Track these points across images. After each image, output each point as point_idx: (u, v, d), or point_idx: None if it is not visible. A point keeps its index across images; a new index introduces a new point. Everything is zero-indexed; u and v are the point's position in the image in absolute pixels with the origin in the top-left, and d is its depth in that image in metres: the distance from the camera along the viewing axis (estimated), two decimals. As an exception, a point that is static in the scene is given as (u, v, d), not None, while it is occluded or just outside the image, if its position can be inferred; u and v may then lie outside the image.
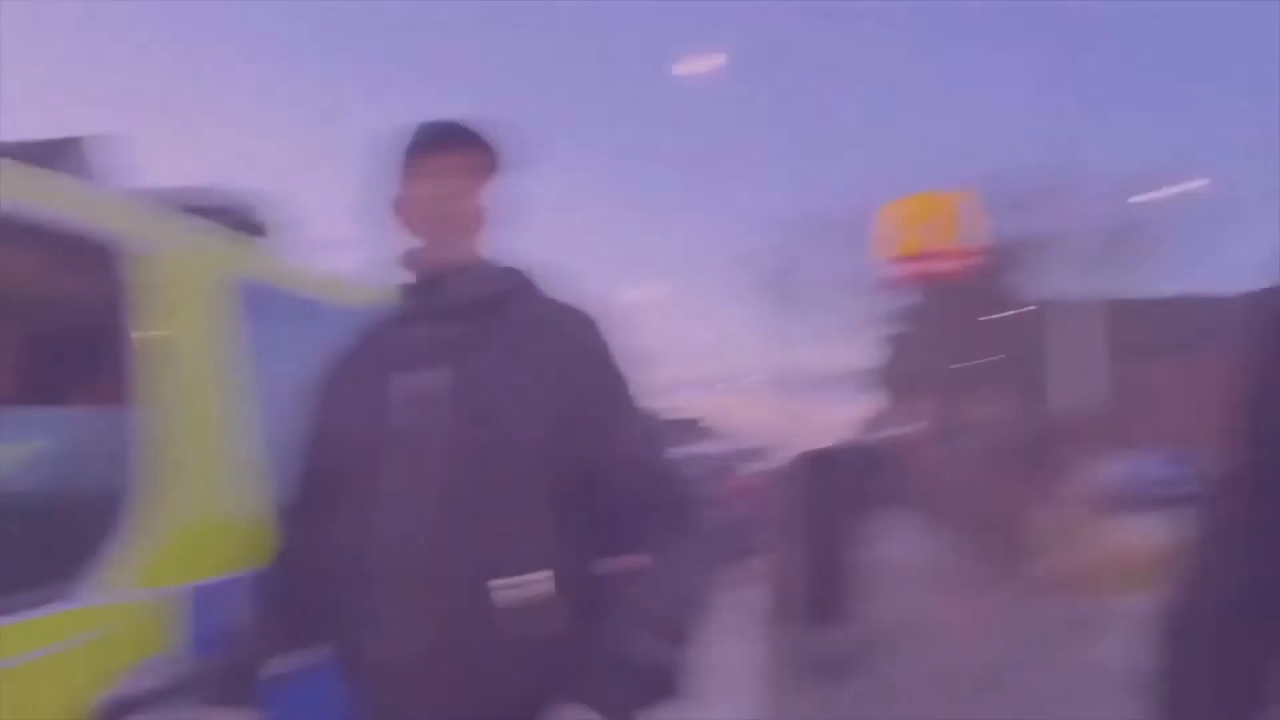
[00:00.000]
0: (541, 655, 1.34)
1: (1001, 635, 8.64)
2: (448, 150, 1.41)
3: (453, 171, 1.41)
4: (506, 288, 1.46)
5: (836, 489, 8.34)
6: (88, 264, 1.63)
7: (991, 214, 22.50)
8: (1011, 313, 22.65)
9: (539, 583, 1.35)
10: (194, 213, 2.18)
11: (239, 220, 2.24)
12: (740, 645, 7.15)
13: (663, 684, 1.37)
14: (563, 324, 1.44)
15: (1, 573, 1.41)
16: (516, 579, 1.34)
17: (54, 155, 26.35)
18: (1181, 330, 25.65)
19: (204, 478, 1.72)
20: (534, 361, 1.40)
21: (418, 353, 1.42)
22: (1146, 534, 10.21)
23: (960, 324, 22.13)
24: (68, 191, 1.64)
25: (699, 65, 20.78)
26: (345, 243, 1.70)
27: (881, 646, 7.68)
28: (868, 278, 23.34)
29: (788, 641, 6.85)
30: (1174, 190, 17.24)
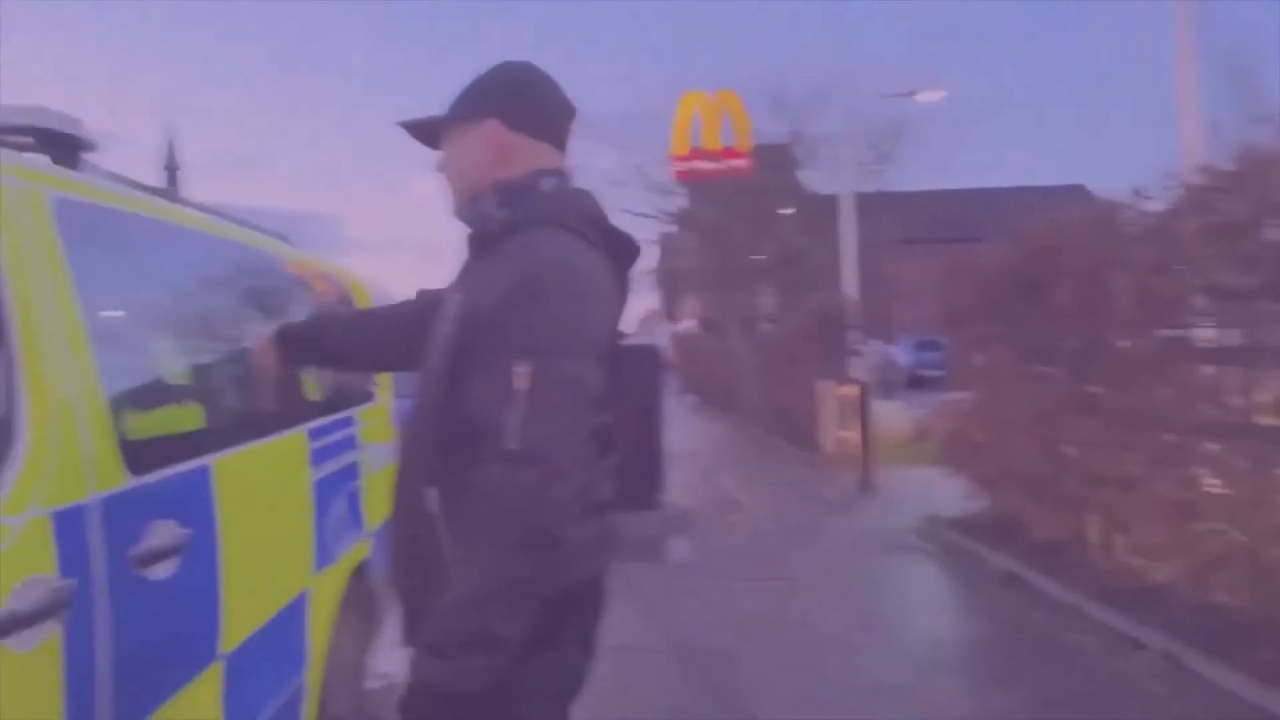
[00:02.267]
0: (432, 565, 1.52)
1: (793, 504, 9.65)
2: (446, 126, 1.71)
3: (449, 139, 1.70)
4: (502, 226, 1.60)
5: (627, 384, 8.74)
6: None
7: (761, 114, 23.49)
8: (782, 211, 23.92)
9: (432, 499, 1.54)
10: (16, 133, 2.08)
11: (58, 142, 2.15)
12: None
13: (448, 703, 1.41)
14: (510, 262, 1.52)
15: None
16: (429, 491, 1.54)
17: None
18: (928, 224, 28.21)
19: (63, 401, 1.71)
20: (476, 295, 1.54)
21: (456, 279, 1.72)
22: (904, 412, 11.53)
23: (733, 222, 23.14)
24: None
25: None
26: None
27: (684, 525, 8.31)
28: (645, 176, 23.87)
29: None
30: (923, 98, 18.82)
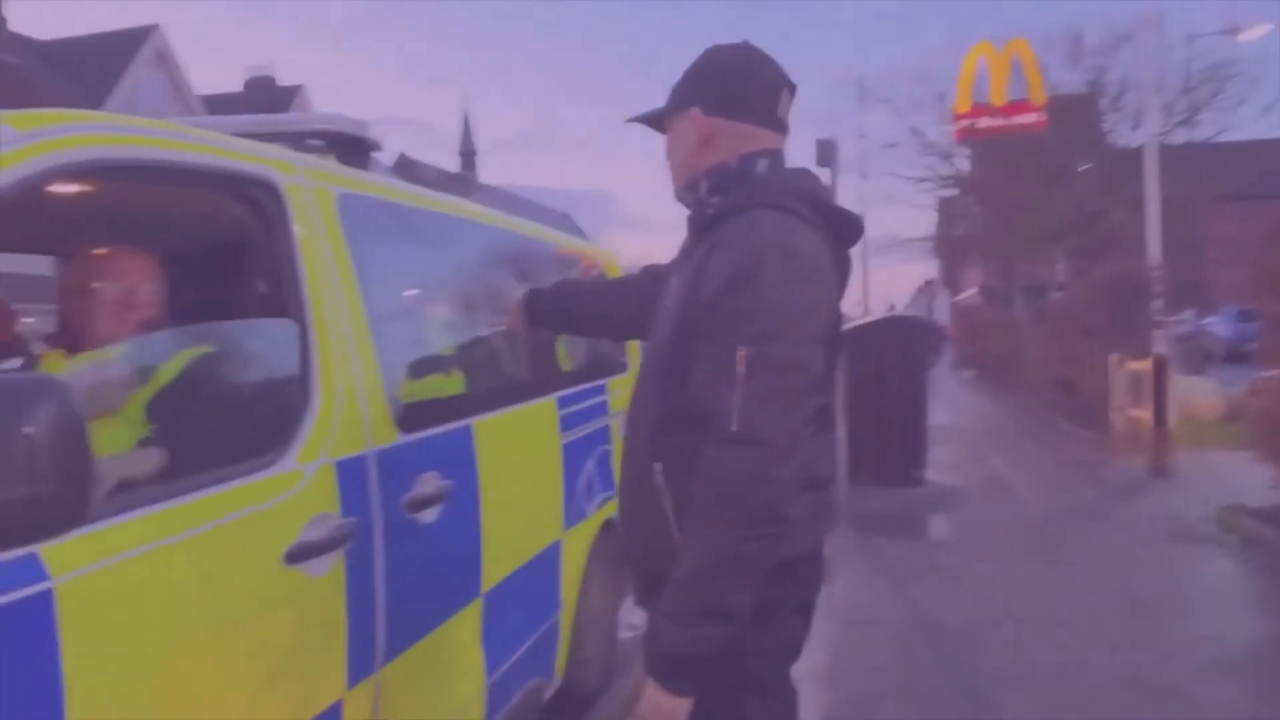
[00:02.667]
0: (659, 535, 1.61)
1: (1071, 486, 8.95)
2: (665, 116, 1.76)
3: (669, 129, 1.76)
4: (718, 210, 1.64)
5: (883, 357, 8.48)
6: (247, 198, 1.91)
7: (1056, 63, 21.62)
8: (1082, 168, 21.93)
9: (658, 473, 1.61)
10: (312, 138, 2.45)
11: (348, 145, 2.50)
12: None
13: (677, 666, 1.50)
14: (729, 247, 1.54)
15: (207, 453, 1.76)
16: (655, 465, 1.62)
17: (127, 45, 26.28)
18: (1255, 178, 24.67)
19: (346, 369, 2.03)
20: (696, 279, 1.57)
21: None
22: (1214, 390, 10.31)
23: (1021, 182, 21.53)
24: (226, 140, 1.90)
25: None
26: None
27: (945, 503, 8.02)
28: (921, 138, 22.79)
29: (845, 503, 7.23)
30: (1244, 35, 16.44)
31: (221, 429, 1.91)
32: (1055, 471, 9.05)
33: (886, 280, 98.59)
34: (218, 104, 28.68)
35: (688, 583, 1.48)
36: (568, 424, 3.28)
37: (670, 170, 1.77)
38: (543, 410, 3.11)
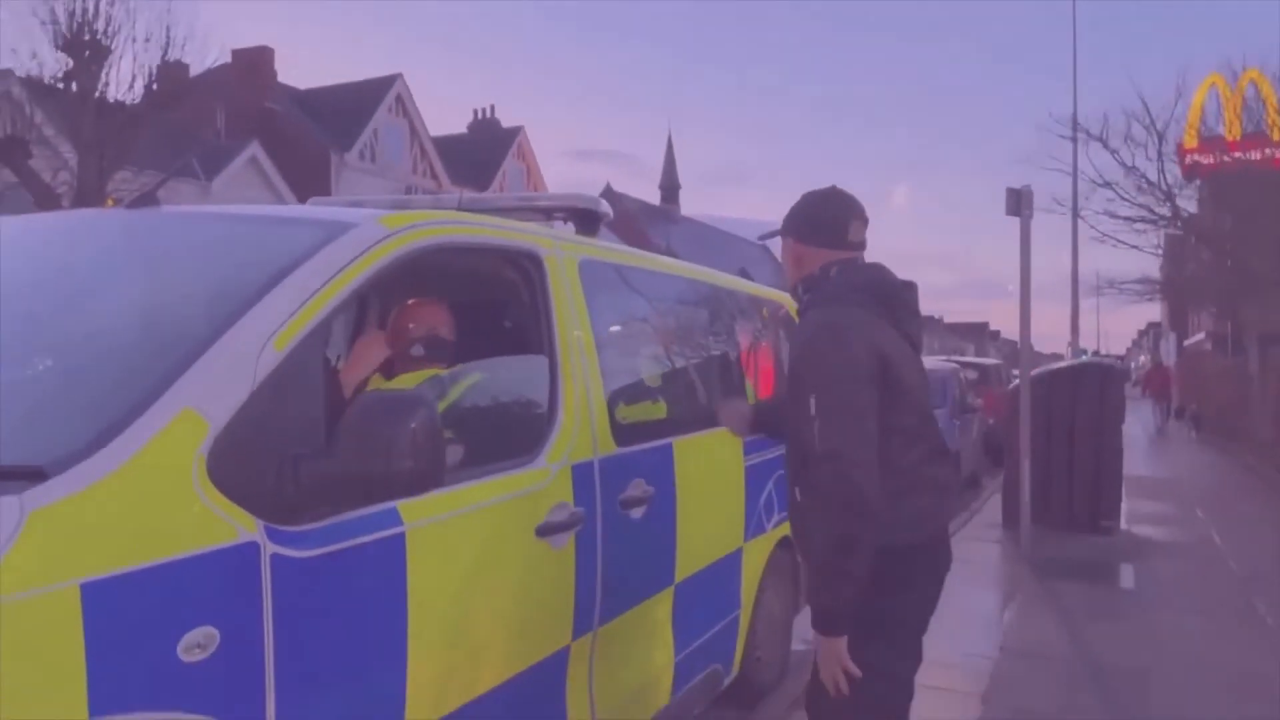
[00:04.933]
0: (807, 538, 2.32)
1: (1269, 552, 8.57)
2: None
3: (782, 248, 2.57)
4: (806, 305, 2.45)
5: (1080, 404, 8.45)
6: (519, 265, 2.61)
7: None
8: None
9: (796, 494, 2.37)
10: (556, 212, 3.15)
11: (584, 216, 3.18)
12: (977, 546, 7.69)
13: (827, 617, 2.20)
14: (802, 331, 2.37)
15: (486, 451, 2.44)
16: (795, 489, 2.39)
17: (373, 95, 29.16)
18: None
19: (581, 394, 2.67)
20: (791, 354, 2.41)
21: None
22: None
23: (1264, 222, 20.06)
24: (501, 223, 2.61)
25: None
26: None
27: (1136, 553, 7.92)
28: (1162, 172, 21.69)
29: (1023, 545, 7.29)
30: None
31: (494, 435, 2.59)
32: (1266, 531, 8.63)
33: (1105, 322, 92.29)
34: (446, 145, 31.32)
35: (818, 558, 2.19)
36: (750, 449, 3.81)
37: (787, 274, 2.58)
38: (730, 436, 3.67)
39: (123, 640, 1.48)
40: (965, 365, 14.20)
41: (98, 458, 1.53)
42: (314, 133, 27.11)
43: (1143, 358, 51.75)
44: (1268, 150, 20.30)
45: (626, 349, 3.19)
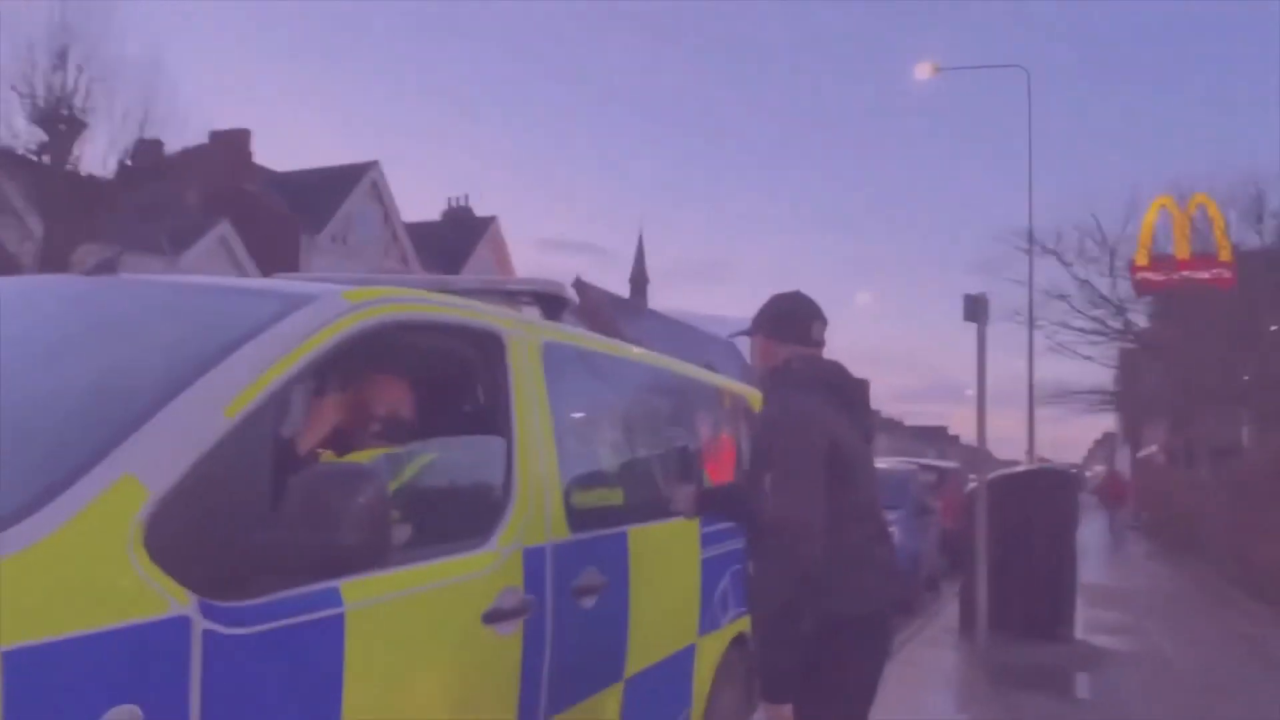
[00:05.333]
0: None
1: (1234, 661, 8.62)
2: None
3: (752, 343, 2.92)
4: (770, 391, 2.83)
5: (1036, 510, 8.55)
6: (481, 346, 2.62)
7: (1238, 221, 20.96)
8: (1274, 328, 20.89)
9: (750, 568, 2.69)
10: (521, 296, 3.17)
11: (549, 302, 3.21)
12: (935, 651, 7.62)
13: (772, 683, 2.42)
14: (764, 412, 2.81)
15: (436, 531, 2.40)
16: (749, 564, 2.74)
17: (348, 179, 29.56)
18: None
19: (537, 478, 2.64)
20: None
21: None
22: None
23: (1212, 339, 20.68)
24: (465, 303, 2.62)
25: (923, 73, 20.88)
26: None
27: (1091, 662, 7.89)
28: (1114, 288, 22.37)
29: (979, 651, 7.23)
30: None
31: (445, 515, 2.54)
32: (1219, 645, 8.64)
33: (1062, 430, 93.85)
34: (419, 232, 31.61)
35: (765, 625, 2.41)
36: (708, 541, 3.78)
37: (754, 367, 2.93)
38: (687, 527, 3.64)
39: (43, 713, 1.41)
40: (923, 467, 14.29)
41: (32, 521, 1.49)
42: (286, 214, 27.27)
43: (1098, 467, 52.50)
44: (1215, 270, 21.07)
45: (586, 434, 3.18)
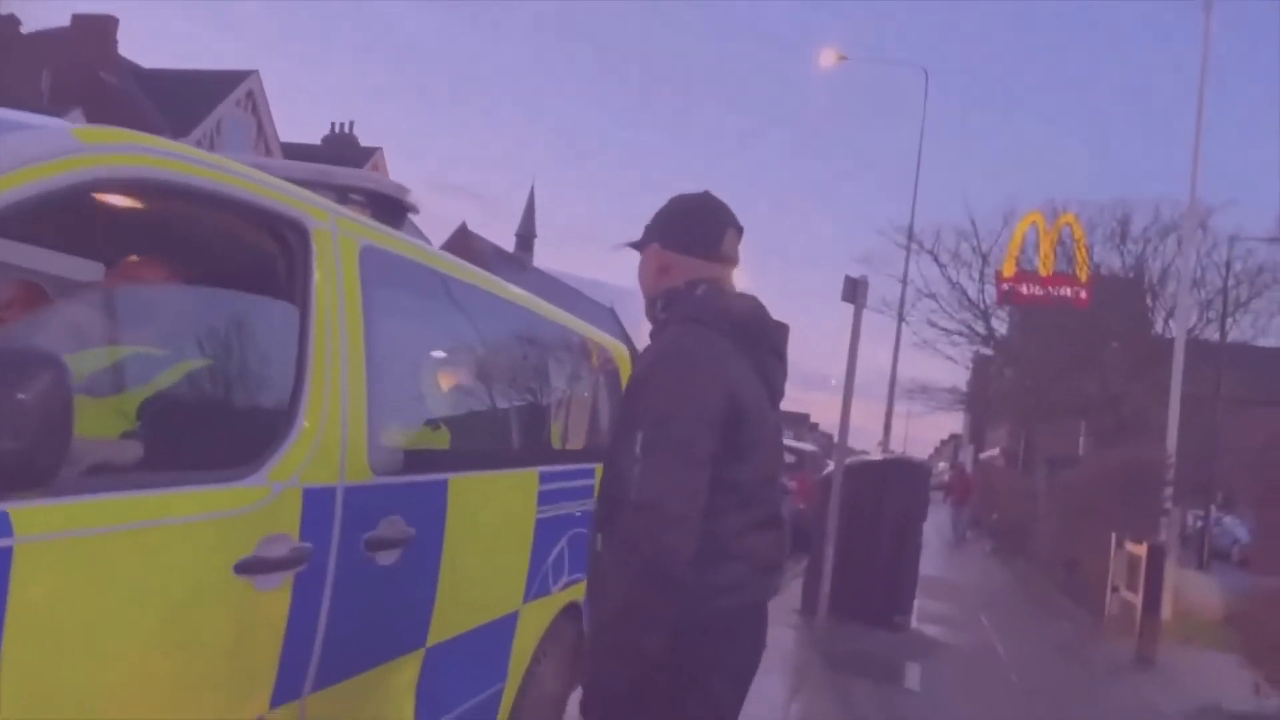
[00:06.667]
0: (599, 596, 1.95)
1: (1053, 662, 8.79)
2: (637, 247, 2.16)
3: (640, 258, 2.16)
4: (662, 324, 2.06)
5: (887, 499, 8.50)
6: (276, 234, 2.11)
7: (1103, 244, 21.92)
8: (1118, 346, 22.01)
9: (597, 543, 1.98)
10: (355, 193, 2.66)
11: (384, 203, 2.70)
12: (772, 630, 7.49)
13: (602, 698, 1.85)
14: (647, 348, 2.03)
15: (183, 456, 1.91)
16: (597, 535, 2.01)
17: (223, 85, 27.64)
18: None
19: (334, 404, 2.16)
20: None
21: None
22: (1215, 588, 10.16)
23: (1062, 354, 21.64)
24: (260, 177, 2.10)
25: (827, 59, 20.94)
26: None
27: (923, 652, 7.89)
28: (982, 293, 23.04)
29: (818, 634, 7.15)
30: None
31: (203, 439, 2.04)
32: (1041, 645, 8.88)
33: (912, 426, 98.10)
34: (296, 153, 29.77)
35: (598, 626, 1.80)
36: (546, 499, 3.37)
37: (641, 290, 2.15)
38: (523, 480, 3.22)
39: None
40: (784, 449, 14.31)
41: None
42: (149, 112, 25.17)
43: (942, 464, 54.98)
44: (1074, 289, 22.00)
45: (409, 361, 2.70)
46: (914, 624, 8.26)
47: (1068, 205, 21.85)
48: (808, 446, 18.04)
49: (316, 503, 2.10)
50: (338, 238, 2.27)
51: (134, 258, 2.18)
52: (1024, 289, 22.58)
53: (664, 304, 2.05)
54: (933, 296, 23.54)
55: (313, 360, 2.13)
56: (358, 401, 2.26)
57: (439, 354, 2.90)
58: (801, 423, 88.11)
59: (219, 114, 26.34)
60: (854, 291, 7.04)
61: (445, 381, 2.92)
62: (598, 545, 1.95)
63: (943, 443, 68.32)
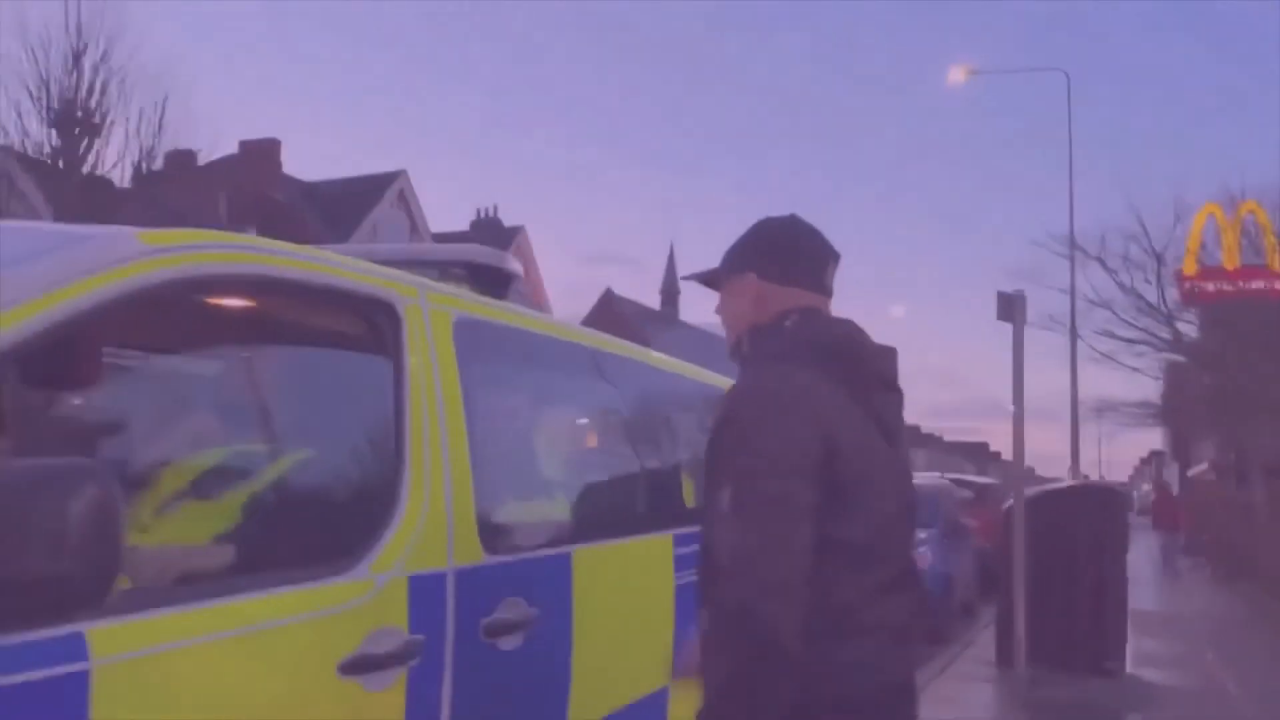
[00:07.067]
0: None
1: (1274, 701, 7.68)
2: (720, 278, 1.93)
3: (723, 289, 1.92)
4: (743, 357, 1.83)
5: (1080, 530, 7.77)
6: (364, 317, 2.07)
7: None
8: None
9: (703, 619, 1.72)
10: (454, 266, 2.60)
11: (483, 274, 2.64)
12: (968, 686, 6.94)
13: None
14: (729, 391, 1.78)
15: (277, 556, 1.84)
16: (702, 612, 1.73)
17: (375, 188, 29.55)
18: None
19: (436, 485, 2.07)
20: None
21: None
22: None
23: (1264, 351, 19.69)
24: (341, 260, 2.06)
25: (956, 76, 20.29)
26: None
27: (1144, 700, 7.09)
28: (1162, 296, 21.42)
29: (1018, 686, 6.53)
30: None
31: (304, 535, 1.98)
32: (1284, 679, 7.83)
33: (1107, 448, 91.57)
34: (447, 241, 31.36)
35: (702, 711, 1.56)
36: (684, 563, 3.17)
37: (724, 326, 1.90)
38: (656, 545, 3.04)
39: None
40: (959, 483, 13.53)
41: None
42: (313, 223, 27.12)
43: (1145, 486, 50.87)
44: (1267, 281, 20.04)
45: (518, 432, 2.60)
46: (1129, 668, 7.46)
47: (1245, 193, 20.01)
48: (985, 479, 16.98)
49: (425, 590, 1.99)
50: (429, 313, 2.20)
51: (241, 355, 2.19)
52: (1210, 286, 20.74)
53: (754, 340, 1.81)
54: (1106, 306, 21.96)
55: (410, 442, 2.04)
56: (462, 480, 2.16)
57: (551, 421, 2.79)
58: (980, 452, 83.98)
59: (374, 217, 28.08)
60: (1010, 308, 6.54)
61: (561, 450, 2.80)
62: (704, 622, 1.68)
63: (1143, 461, 63.35)
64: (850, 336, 1.79)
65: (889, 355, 1.81)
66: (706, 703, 1.57)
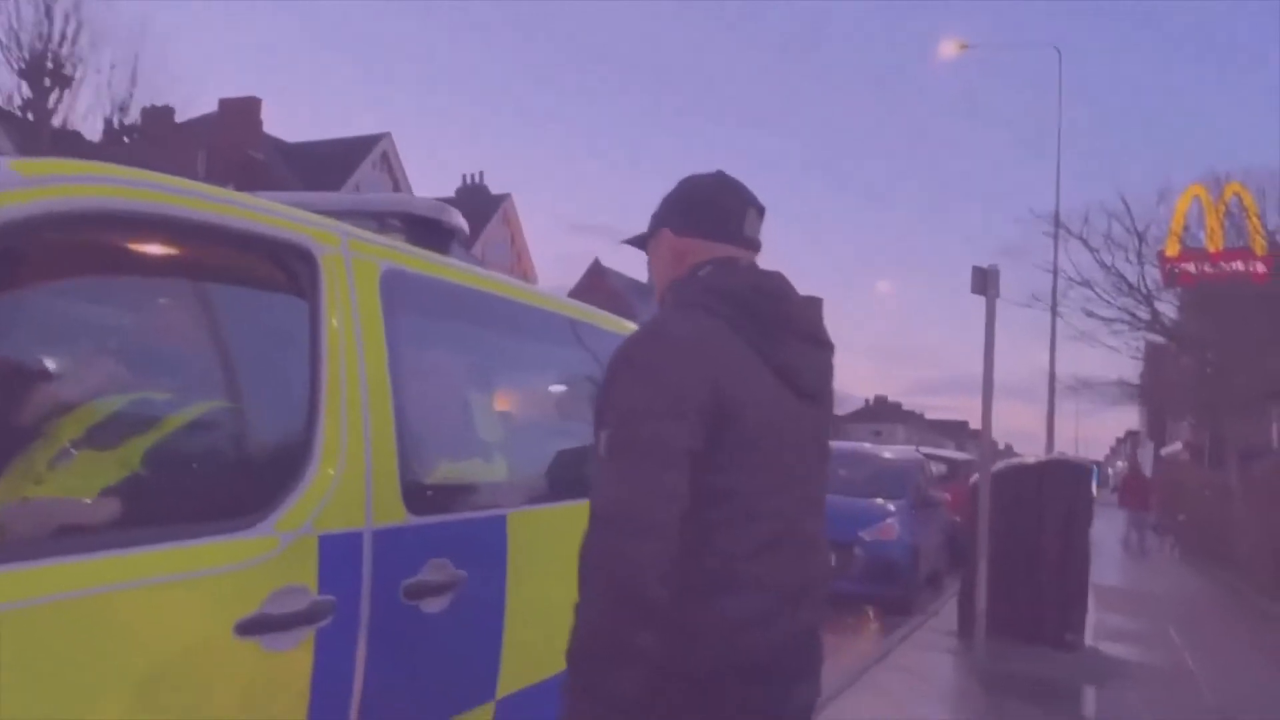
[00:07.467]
0: None
1: (1259, 681, 7.79)
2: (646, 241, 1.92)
3: (649, 252, 1.92)
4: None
5: (1045, 504, 7.79)
6: (279, 263, 1.98)
7: (1273, 211, 19.99)
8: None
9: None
10: (391, 218, 2.50)
11: (421, 226, 2.54)
12: (928, 656, 6.97)
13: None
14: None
15: (196, 505, 1.78)
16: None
17: (358, 150, 29.33)
18: None
19: (355, 443, 1.98)
20: None
21: None
22: None
23: (1245, 335, 19.77)
24: (268, 208, 1.96)
25: (948, 50, 20.17)
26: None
27: (1101, 675, 7.14)
28: (1142, 276, 21.46)
29: (977, 658, 6.55)
30: None
31: (208, 487, 1.90)
32: (1244, 657, 7.91)
33: (1085, 426, 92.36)
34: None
35: (568, 660, 1.50)
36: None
37: (655, 284, 1.89)
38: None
39: None
40: (933, 458, 13.56)
41: None
42: (293, 183, 26.79)
43: (1120, 463, 51.38)
44: (1249, 263, 20.09)
45: (451, 392, 2.51)
46: (1089, 641, 7.51)
47: (1231, 174, 20.00)
48: (960, 455, 17.06)
49: (337, 550, 1.91)
50: (351, 261, 2.11)
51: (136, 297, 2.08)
52: (1192, 268, 20.79)
53: (673, 294, 1.77)
54: (1087, 284, 21.99)
55: (325, 397, 1.96)
56: (384, 438, 2.08)
57: (489, 381, 2.71)
58: (960, 430, 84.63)
59: (356, 178, 27.78)
60: (984, 282, 6.49)
61: (499, 410, 2.72)
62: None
63: (1119, 441, 63.93)
64: (761, 286, 1.72)
65: (813, 306, 1.77)
66: (569, 649, 1.50)
